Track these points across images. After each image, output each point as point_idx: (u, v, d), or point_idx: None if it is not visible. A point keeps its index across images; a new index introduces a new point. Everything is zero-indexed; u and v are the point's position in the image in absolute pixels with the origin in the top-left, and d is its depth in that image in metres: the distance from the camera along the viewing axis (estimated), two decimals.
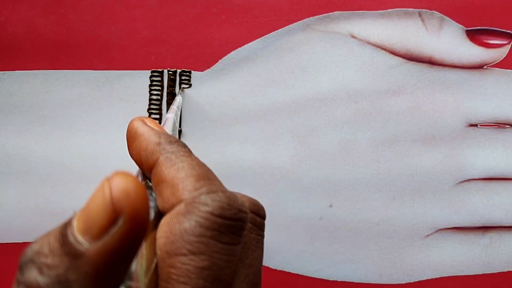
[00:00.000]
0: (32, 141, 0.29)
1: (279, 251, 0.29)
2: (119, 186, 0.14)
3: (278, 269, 0.29)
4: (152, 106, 0.30)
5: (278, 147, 0.29)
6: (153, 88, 0.30)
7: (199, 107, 0.30)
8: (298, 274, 0.29)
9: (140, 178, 0.20)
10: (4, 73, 0.30)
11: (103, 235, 0.13)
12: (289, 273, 0.29)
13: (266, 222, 0.29)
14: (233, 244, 0.16)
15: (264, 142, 0.29)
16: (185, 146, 0.19)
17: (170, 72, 0.30)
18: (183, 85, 0.29)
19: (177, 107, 0.27)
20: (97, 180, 0.29)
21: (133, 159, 0.20)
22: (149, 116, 0.30)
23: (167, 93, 0.30)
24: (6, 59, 0.30)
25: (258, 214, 0.19)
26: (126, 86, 0.30)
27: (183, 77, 0.30)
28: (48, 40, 0.30)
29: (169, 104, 0.30)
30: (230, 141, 0.29)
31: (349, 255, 0.29)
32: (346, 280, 0.29)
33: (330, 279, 0.29)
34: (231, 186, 0.29)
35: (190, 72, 0.30)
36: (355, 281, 0.29)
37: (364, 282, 0.29)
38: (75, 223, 0.14)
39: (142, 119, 0.21)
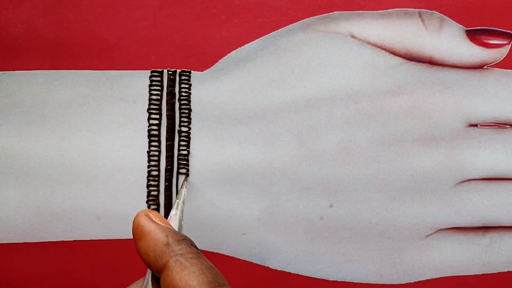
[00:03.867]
0: (32, 141, 0.29)
1: (279, 251, 0.29)
2: None
3: (278, 269, 0.29)
4: (152, 106, 0.30)
5: (278, 147, 0.29)
6: (153, 88, 0.30)
7: (199, 107, 0.30)
8: (298, 274, 0.29)
9: (149, 277, 0.20)
10: (4, 73, 0.30)
11: None
12: (289, 273, 0.29)
13: (266, 222, 0.29)
14: None
15: (264, 142, 0.29)
16: (192, 244, 0.20)
17: (170, 72, 0.30)
18: (186, 176, 0.29)
19: (183, 202, 0.26)
20: (96, 180, 0.29)
21: (141, 257, 0.20)
22: (149, 116, 0.30)
23: (167, 93, 0.30)
24: (6, 59, 0.30)
25: None
26: (126, 86, 0.30)
27: (183, 77, 0.30)
28: (48, 40, 0.30)
29: (169, 104, 0.30)
30: (230, 141, 0.29)
31: (349, 255, 0.29)
32: (346, 280, 0.29)
33: (330, 279, 0.29)
34: (231, 186, 0.29)
35: (190, 72, 0.30)
36: (355, 281, 0.29)
37: (364, 282, 0.29)
38: None
39: (147, 214, 0.21)
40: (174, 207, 0.25)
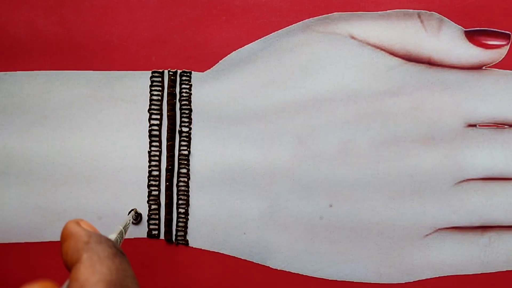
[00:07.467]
0: (33, 141, 0.29)
1: (279, 250, 0.29)
2: None
3: (279, 268, 0.29)
4: (153, 107, 0.30)
5: (278, 147, 0.30)
6: (153, 88, 0.30)
7: (199, 107, 0.30)
8: (298, 274, 0.30)
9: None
10: (6, 73, 0.30)
11: None
12: (289, 273, 0.30)
13: (266, 222, 0.29)
14: None
15: (264, 142, 0.30)
16: (113, 246, 0.20)
17: (170, 73, 0.30)
18: (132, 213, 0.29)
19: (124, 228, 0.25)
20: (97, 180, 0.29)
21: (62, 259, 0.20)
22: (150, 116, 0.30)
23: (168, 93, 0.30)
24: (8, 59, 0.30)
25: None
26: (127, 86, 0.30)
27: (184, 78, 0.30)
28: (49, 41, 0.30)
29: (169, 104, 0.30)
30: (230, 141, 0.30)
31: (349, 255, 0.29)
32: (346, 280, 0.29)
33: (330, 279, 0.29)
34: (232, 186, 0.29)
35: (190, 73, 0.30)
36: (355, 281, 0.29)
37: (364, 281, 0.29)
38: None
39: (77, 221, 0.21)
40: (114, 231, 0.24)
